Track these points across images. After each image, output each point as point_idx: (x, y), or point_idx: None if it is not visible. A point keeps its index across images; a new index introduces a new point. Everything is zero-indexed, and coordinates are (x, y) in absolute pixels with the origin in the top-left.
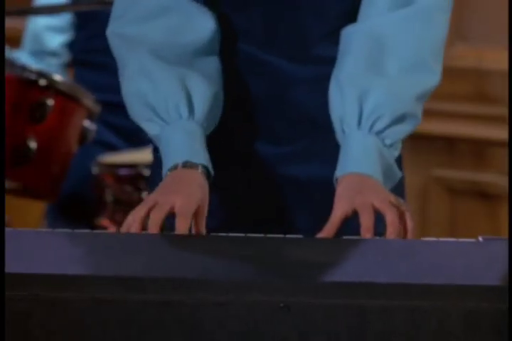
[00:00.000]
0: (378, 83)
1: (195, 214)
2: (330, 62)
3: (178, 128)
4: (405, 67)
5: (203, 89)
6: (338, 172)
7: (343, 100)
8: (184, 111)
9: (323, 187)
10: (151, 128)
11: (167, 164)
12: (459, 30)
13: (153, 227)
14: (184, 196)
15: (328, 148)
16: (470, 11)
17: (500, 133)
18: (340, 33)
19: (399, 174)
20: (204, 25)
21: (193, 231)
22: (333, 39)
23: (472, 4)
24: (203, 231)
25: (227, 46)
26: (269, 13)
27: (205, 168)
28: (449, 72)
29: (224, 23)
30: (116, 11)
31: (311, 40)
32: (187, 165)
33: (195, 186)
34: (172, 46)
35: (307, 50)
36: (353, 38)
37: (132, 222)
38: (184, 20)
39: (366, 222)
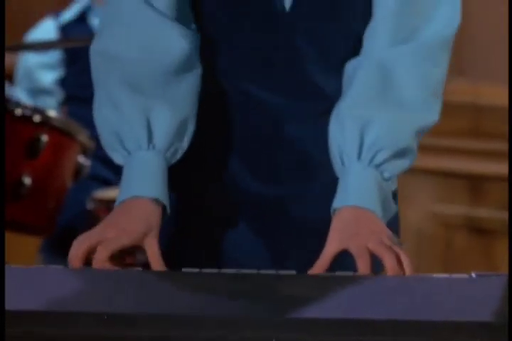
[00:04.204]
0: (380, 115)
1: (142, 248)
2: (325, 97)
3: (137, 158)
4: (406, 102)
5: (166, 118)
6: (336, 204)
7: (343, 130)
8: (144, 141)
9: (316, 229)
10: (116, 157)
11: (120, 196)
12: (456, 66)
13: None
14: (118, 229)
15: (322, 189)
16: (468, 47)
17: (497, 168)
18: (344, 67)
19: (395, 207)
20: (177, 44)
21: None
22: (332, 75)
23: (470, 40)
24: (157, 266)
25: (220, 82)
26: (266, 51)
27: (158, 200)
28: (446, 107)
29: (217, 59)
30: (99, 28)
31: (309, 76)
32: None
33: (137, 219)
34: (144, 66)
35: (304, 87)
36: (357, 73)
37: (75, 257)
38: (156, 39)
39: (363, 266)
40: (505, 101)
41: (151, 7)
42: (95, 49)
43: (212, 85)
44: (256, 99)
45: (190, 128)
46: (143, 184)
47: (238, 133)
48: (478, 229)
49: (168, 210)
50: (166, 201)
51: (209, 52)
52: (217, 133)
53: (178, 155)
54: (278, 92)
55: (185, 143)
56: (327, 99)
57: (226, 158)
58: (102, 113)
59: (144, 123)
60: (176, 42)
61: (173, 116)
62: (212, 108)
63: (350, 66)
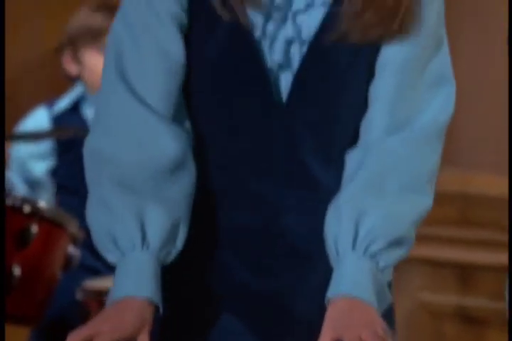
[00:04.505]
0: (376, 205)
1: None
2: (324, 187)
3: (131, 259)
4: (404, 190)
5: (159, 220)
6: (330, 293)
7: (339, 220)
8: (138, 242)
9: (309, 320)
10: (110, 257)
11: (113, 294)
12: (446, 155)
13: None
14: (113, 323)
15: (318, 280)
16: (456, 137)
17: (486, 257)
18: (342, 157)
19: (390, 298)
20: (172, 145)
21: None
22: (330, 165)
23: (458, 130)
24: None
25: (215, 176)
26: (264, 143)
27: (151, 300)
28: (435, 196)
29: (213, 153)
30: (92, 124)
31: (308, 167)
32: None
33: (130, 314)
34: (137, 167)
35: (303, 178)
36: (357, 166)
37: None
38: (150, 140)
39: None
40: (494, 190)
41: (143, 104)
42: (88, 148)
43: (207, 179)
44: (253, 189)
45: (184, 230)
46: (136, 284)
47: (234, 226)
48: (468, 319)
49: (161, 310)
50: (159, 302)
51: (204, 147)
52: (211, 226)
53: (172, 256)
54: (276, 183)
55: (178, 245)
56: (326, 189)
57: (219, 251)
58: (94, 213)
59: (138, 224)
60: (170, 143)
61: (166, 218)
62: (207, 201)
63: (349, 159)
